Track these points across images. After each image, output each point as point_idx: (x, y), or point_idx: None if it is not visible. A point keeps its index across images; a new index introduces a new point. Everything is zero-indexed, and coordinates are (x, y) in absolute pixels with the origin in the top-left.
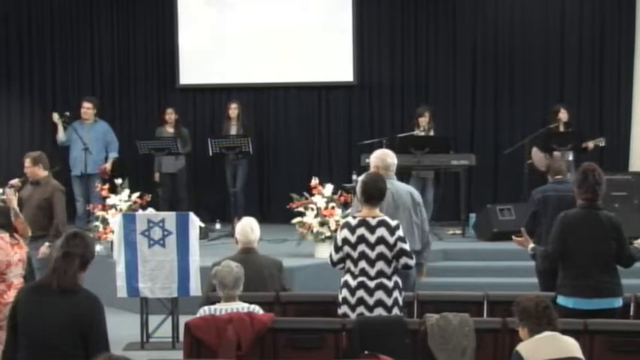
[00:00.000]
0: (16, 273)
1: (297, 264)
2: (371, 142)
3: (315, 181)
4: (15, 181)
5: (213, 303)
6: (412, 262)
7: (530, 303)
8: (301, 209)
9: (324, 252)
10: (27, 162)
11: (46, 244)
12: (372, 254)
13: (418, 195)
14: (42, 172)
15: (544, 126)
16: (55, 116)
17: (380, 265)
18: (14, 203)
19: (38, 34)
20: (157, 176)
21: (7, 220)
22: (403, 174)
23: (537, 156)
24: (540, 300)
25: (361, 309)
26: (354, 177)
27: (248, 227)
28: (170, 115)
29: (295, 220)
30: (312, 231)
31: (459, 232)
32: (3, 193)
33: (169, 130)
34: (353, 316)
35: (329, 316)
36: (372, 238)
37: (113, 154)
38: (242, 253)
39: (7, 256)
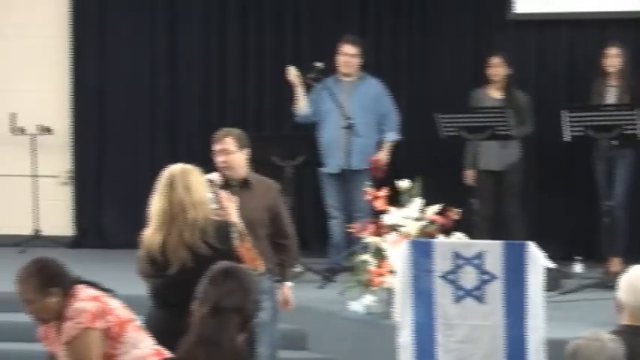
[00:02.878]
0: None
1: None
2: None
3: None
4: (215, 177)
5: None
6: None
7: None
8: None
9: None
10: (225, 144)
11: (288, 284)
12: None
13: None
14: (246, 164)
15: None
16: (293, 72)
17: None
18: (235, 214)
19: None
20: (469, 176)
21: (226, 245)
22: None
23: None
24: None
25: None
26: None
27: None
28: (496, 68)
29: None
30: None
31: None
32: (214, 197)
33: (494, 94)
34: None
35: None
36: None
37: (391, 136)
38: (631, 330)
39: None
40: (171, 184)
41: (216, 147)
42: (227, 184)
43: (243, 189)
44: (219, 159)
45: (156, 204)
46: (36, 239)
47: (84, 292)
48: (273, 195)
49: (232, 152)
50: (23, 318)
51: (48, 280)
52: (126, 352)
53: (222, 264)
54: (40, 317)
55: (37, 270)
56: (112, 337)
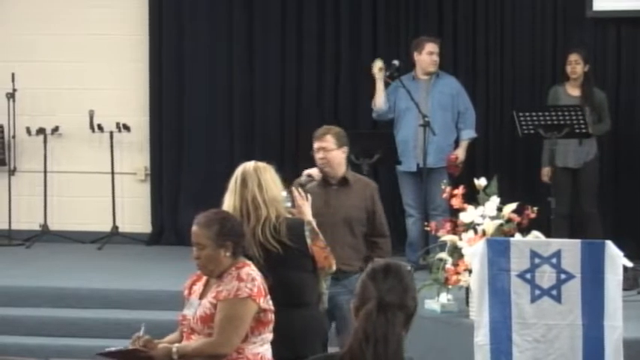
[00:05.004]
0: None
1: None
2: None
3: None
4: (314, 171)
5: None
6: None
7: None
8: None
9: None
10: (325, 141)
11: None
12: None
13: None
14: (345, 162)
15: None
16: (378, 65)
17: None
18: (309, 213)
19: None
20: (545, 173)
21: (298, 243)
22: None
23: None
24: None
25: None
26: None
27: None
28: (575, 66)
29: None
30: None
31: None
32: (288, 195)
33: (572, 91)
34: None
35: None
36: None
37: (468, 134)
38: None
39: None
40: (244, 182)
41: (316, 144)
42: (327, 182)
43: (342, 187)
44: (319, 156)
45: (229, 201)
46: (114, 236)
47: (253, 267)
48: (371, 194)
49: (331, 150)
50: (107, 314)
51: (228, 233)
52: (255, 342)
53: (382, 261)
54: (203, 265)
55: (221, 219)
56: (261, 321)
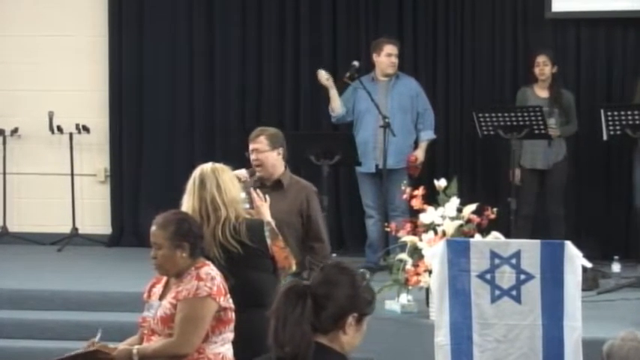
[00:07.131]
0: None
1: None
2: None
3: None
4: (242, 172)
5: None
6: None
7: None
8: None
9: None
10: (258, 143)
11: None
12: None
13: None
14: (281, 164)
15: None
16: (324, 75)
17: None
18: (268, 213)
19: None
20: (517, 175)
21: (258, 243)
22: None
23: None
24: None
25: None
26: None
27: None
28: (543, 67)
29: None
30: None
31: None
32: (246, 195)
33: (540, 93)
34: None
35: None
36: None
37: (428, 135)
38: None
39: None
40: (202, 183)
41: (250, 146)
42: (261, 184)
43: (275, 190)
44: (252, 157)
45: (187, 203)
46: (74, 237)
47: (213, 267)
48: (306, 198)
49: (264, 151)
50: (67, 316)
51: (184, 233)
52: (216, 342)
53: (336, 261)
54: (159, 264)
55: (178, 219)
56: (222, 320)
